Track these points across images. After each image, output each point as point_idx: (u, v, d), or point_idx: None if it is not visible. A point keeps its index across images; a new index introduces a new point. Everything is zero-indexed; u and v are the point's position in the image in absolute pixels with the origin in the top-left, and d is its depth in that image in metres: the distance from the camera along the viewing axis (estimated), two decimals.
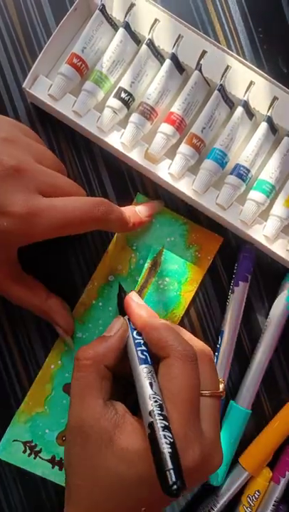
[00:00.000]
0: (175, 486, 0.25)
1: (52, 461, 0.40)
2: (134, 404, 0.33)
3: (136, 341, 0.33)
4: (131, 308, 0.36)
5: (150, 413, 0.28)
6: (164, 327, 0.33)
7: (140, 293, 0.41)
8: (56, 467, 0.40)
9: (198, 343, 0.34)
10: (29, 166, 0.33)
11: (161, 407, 0.29)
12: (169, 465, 0.26)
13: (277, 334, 0.42)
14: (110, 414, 0.31)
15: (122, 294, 0.40)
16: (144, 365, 0.32)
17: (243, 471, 0.41)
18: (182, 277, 0.42)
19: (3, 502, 0.41)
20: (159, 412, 0.28)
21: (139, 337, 0.34)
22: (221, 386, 0.34)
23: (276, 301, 0.42)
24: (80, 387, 0.32)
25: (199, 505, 0.42)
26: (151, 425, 0.28)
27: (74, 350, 0.41)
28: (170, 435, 0.27)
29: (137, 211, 0.39)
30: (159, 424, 0.28)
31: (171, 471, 0.25)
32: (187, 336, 0.35)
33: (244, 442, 0.42)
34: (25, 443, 0.40)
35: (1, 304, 0.41)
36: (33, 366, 0.41)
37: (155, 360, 0.33)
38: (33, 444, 0.40)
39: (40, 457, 0.40)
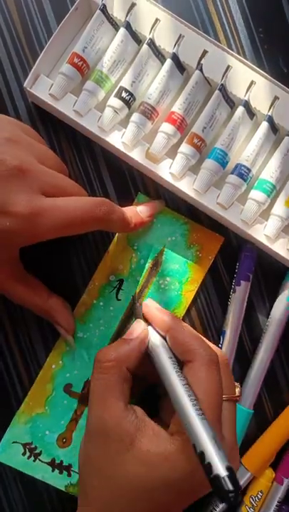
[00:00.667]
0: (232, 494, 0.25)
1: (52, 464, 0.40)
2: (150, 407, 0.34)
3: (168, 355, 0.33)
4: (152, 314, 0.36)
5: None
6: (189, 330, 0.33)
7: (141, 293, 0.41)
8: (56, 470, 0.39)
9: (214, 348, 0.34)
10: (32, 167, 0.33)
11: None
12: (224, 472, 0.26)
13: (279, 334, 0.41)
14: (132, 417, 0.31)
15: (136, 304, 0.40)
16: (179, 378, 0.31)
17: (246, 471, 0.41)
18: (183, 277, 0.42)
19: (4, 502, 0.41)
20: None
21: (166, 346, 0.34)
22: (237, 390, 0.34)
23: (277, 300, 0.42)
24: (102, 389, 0.32)
25: (202, 506, 0.42)
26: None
27: (75, 349, 0.41)
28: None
29: (138, 211, 0.39)
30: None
31: (226, 478, 0.25)
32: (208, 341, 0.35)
33: (246, 442, 0.42)
34: (24, 445, 0.40)
35: (2, 303, 0.41)
36: (33, 366, 0.41)
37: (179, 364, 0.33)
38: (32, 446, 0.40)
39: (39, 460, 0.40)
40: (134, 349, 0.34)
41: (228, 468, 0.26)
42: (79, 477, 0.33)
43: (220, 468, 0.26)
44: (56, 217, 0.33)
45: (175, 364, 0.32)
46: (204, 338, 0.35)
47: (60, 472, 0.40)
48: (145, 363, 0.34)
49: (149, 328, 0.35)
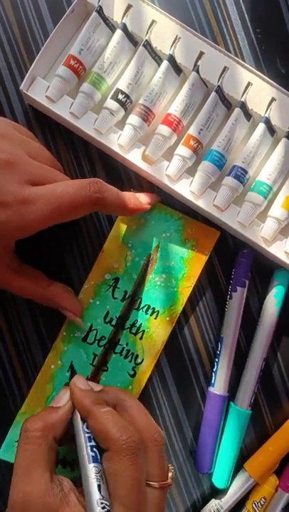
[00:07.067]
0: None
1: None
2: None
3: (86, 435, 0.32)
4: (74, 396, 0.34)
5: None
6: (106, 416, 0.32)
7: (137, 290, 0.42)
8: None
9: (151, 429, 0.33)
10: (21, 160, 0.33)
11: None
12: None
13: (270, 332, 0.41)
14: (56, 490, 0.30)
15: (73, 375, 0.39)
16: (92, 464, 0.31)
17: (249, 477, 0.41)
18: (179, 273, 0.42)
19: (2, 504, 0.42)
20: None
21: (87, 430, 0.33)
22: (170, 475, 0.33)
23: (266, 299, 0.42)
24: (28, 460, 0.31)
25: (202, 510, 0.42)
26: None
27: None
28: None
29: (137, 196, 0.39)
30: None
31: None
32: (141, 420, 0.33)
33: (245, 443, 0.43)
34: None
35: None
36: (30, 367, 0.42)
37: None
38: None
39: None
40: (62, 418, 0.33)
41: None
42: None
43: None
44: (45, 203, 0.32)
45: (94, 452, 0.31)
46: (143, 416, 0.34)
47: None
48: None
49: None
